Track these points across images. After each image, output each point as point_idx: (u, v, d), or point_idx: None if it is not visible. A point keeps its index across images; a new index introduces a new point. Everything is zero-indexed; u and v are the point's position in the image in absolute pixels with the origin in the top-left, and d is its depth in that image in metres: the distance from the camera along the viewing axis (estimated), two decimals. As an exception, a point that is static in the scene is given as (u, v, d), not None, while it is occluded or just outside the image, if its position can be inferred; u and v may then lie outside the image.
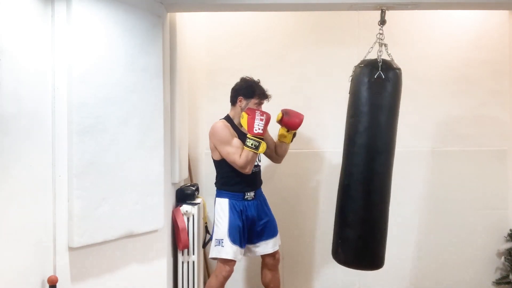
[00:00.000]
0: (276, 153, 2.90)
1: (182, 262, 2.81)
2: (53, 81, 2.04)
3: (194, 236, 2.82)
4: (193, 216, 2.82)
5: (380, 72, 2.32)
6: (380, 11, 2.53)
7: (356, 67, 2.47)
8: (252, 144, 2.53)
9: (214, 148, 2.69)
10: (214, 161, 2.76)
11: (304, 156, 3.40)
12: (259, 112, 2.60)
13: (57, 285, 1.94)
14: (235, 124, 2.73)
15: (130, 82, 2.28)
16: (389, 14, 2.54)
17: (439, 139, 3.42)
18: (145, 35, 2.36)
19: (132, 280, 2.37)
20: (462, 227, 3.41)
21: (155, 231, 2.46)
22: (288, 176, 3.41)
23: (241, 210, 2.69)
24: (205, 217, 3.16)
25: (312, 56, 3.40)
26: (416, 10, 2.77)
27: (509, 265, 3.30)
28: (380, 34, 2.46)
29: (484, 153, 3.41)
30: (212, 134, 2.67)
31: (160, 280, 2.55)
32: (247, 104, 2.68)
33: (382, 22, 2.51)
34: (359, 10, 2.71)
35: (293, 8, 2.79)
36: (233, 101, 2.75)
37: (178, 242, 2.77)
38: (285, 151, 2.87)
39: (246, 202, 2.71)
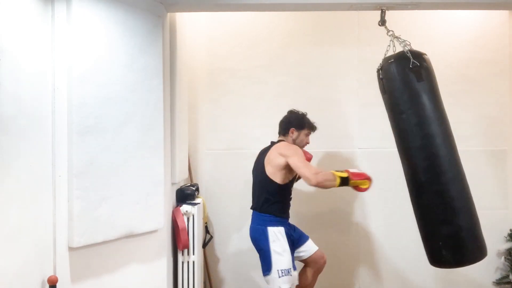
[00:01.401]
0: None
1: (182, 262, 2.81)
2: (53, 81, 2.04)
3: (194, 236, 2.82)
4: (193, 216, 2.82)
5: (413, 61, 2.28)
6: (380, 11, 2.53)
7: (383, 65, 2.41)
8: (343, 173, 2.47)
9: (282, 167, 2.60)
10: (277, 186, 2.63)
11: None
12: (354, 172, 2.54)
13: (57, 285, 1.94)
14: None
15: (130, 82, 2.28)
16: (389, 14, 2.54)
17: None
18: (145, 35, 2.36)
19: (132, 280, 2.37)
20: (462, 227, 3.41)
21: (155, 231, 2.46)
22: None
23: (291, 235, 2.70)
24: (205, 217, 3.16)
25: (312, 56, 3.40)
26: (416, 10, 2.77)
27: (509, 265, 3.30)
28: (389, 31, 2.45)
29: (484, 153, 3.41)
30: (286, 148, 2.63)
31: (160, 280, 2.55)
32: (298, 135, 2.78)
33: (382, 22, 2.51)
34: (359, 10, 2.71)
35: (293, 8, 2.79)
36: (285, 132, 2.81)
37: (178, 242, 2.77)
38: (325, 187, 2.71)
39: (290, 225, 2.75)
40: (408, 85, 2.32)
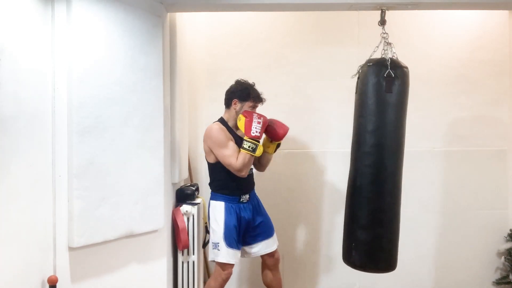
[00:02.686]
0: (258, 162, 2.85)
1: (182, 262, 2.81)
2: (53, 81, 2.04)
3: (194, 236, 2.82)
4: (193, 216, 2.82)
5: (389, 70, 2.31)
6: (380, 11, 2.53)
7: (363, 66, 2.45)
8: (249, 147, 2.52)
9: (209, 151, 2.67)
10: (209, 164, 2.73)
11: (304, 156, 3.40)
12: (256, 115, 2.58)
13: (57, 285, 1.94)
14: (229, 127, 2.71)
15: (130, 82, 2.28)
16: (389, 14, 2.54)
17: (439, 139, 3.42)
18: (145, 35, 2.36)
19: (132, 280, 2.37)
20: (462, 227, 3.41)
21: (155, 231, 2.46)
22: (287, 177, 3.41)
23: (236, 213, 2.68)
24: (205, 217, 3.16)
25: (312, 56, 3.40)
26: (416, 10, 2.77)
27: (509, 265, 3.30)
28: (384, 33, 2.45)
29: (484, 153, 3.41)
30: (208, 137, 2.64)
31: (160, 280, 2.55)
32: (241, 107, 2.66)
33: (382, 22, 2.51)
34: (359, 10, 2.71)
35: (293, 8, 2.79)
36: (228, 104, 2.72)
37: (178, 242, 2.77)
38: (268, 161, 2.82)
39: (241, 205, 2.70)
40: (376, 92, 2.35)
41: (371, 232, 2.37)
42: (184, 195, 2.90)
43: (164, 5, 2.55)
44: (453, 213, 3.41)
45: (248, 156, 2.53)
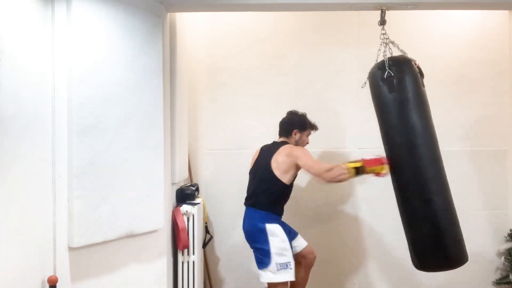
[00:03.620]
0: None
1: (182, 262, 2.81)
2: (53, 81, 2.04)
3: (194, 236, 2.82)
4: (193, 216, 2.82)
5: (388, 71, 2.32)
6: (380, 11, 2.53)
7: (369, 73, 2.50)
8: (356, 163, 2.45)
9: (291, 167, 2.65)
10: (282, 185, 2.67)
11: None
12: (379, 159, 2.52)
13: (57, 285, 1.94)
14: None
15: (130, 82, 2.28)
16: (389, 14, 2.55)
17: (439, 139, 3.41)
18: (145, 35, 2.36)
19: (132, 280, 2.37)
20: (462, 227, 3.39)
21: (155, 231, 2.46)
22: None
23: (286, 230, 2.72)
24: (205, 217, 3.16)
25: (312, 56, 3.40)
26: (416, 10, 2.77)
27: (509, 265, 3.30)
28: (383, 34, 2.46)
29: (484, 153, 3.42)
30: (296, 149, 2.66)
31: (160, 280, 2.55)
32: (301, 136, 2.83)
33: (382, 22, 2.51)
34: (359, 10, 2.71)
35: (293, 8, 2.79)
36: (288, 134, 2.84)
37: (178, 242, 2.77)
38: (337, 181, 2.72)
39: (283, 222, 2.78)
40: (383, 95, 2.39)
41: (444, 230, 2.34)
42: (184, 195, 2.90)
43: (164, 5, 2.55)
44: (453, 213, 3.40)
45: (344, 170, 2.44)
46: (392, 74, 2.32)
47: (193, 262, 2.82)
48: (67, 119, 2.05)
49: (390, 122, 2.40)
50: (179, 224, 2.74)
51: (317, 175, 2.53)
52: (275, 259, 2.60)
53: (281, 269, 2.60)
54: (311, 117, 2.89)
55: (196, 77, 3.39)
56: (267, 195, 2.70)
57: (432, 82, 3.37)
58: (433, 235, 2.33)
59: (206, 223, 3.15)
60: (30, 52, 1.89)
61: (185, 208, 2.81)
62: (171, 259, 2.75)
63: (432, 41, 3.38)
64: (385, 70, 2.34)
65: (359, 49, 3.36)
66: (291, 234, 2.80)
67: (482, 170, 3.40)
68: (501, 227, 3.39)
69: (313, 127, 2.90)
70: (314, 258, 2.89)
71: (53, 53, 2.04)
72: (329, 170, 2.46)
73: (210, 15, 3.37)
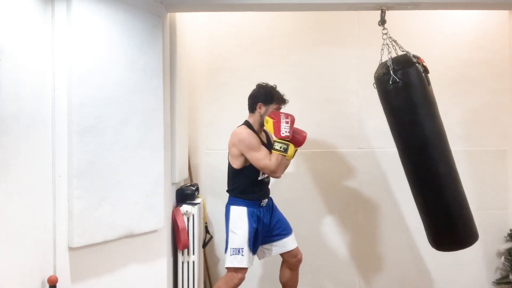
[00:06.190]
0: None
1: (182, 262, 2.81)
2: (53, 81, 2.04)
3: (194, 236, 2.82)
4: (193, 216, 2.82)
5: (393, 77, 2.32)
6: (380, 11, 2.53)
7: (374, 76, 2.50)
8: (280, 147, 2.49)
9: (238, 155, 2.60)
10: (232, 170, 2.66)
11: (302, 157, 3.40)
12: (283, 114, 2.55)
13: (57, 285, 1.95)
14: (255, 131, 2.68)
15: (130, 82, 2.29)
16: (389, 14, 2.54)
17: (439, 139, 3.42)
18: (145, 35, 2.36)
19: (132, 280, 2.37)
20: (462, 227, 3.40)
21: (155, 231, 2.46)
22: (286, 176, 3.40)
23: (258, 217, 2.66)
24: (205, 217, 3.16)
25: (312, 56, 3.40)
26: (416, 10, 2.77)
27: (509, 265, 3.30)
28: (385, 34, 2.45)
29: (484, 153, 3.41)
30: (240, 141, 2.58)
31: (160, 280, 2.55)
32: (266, 110, 2.64)
33: (382, 22, 2.51)
34: (359, 10, 2.71)
35: (293, 8, 2.79)
36: (252, 108, 2.70)
37: (178, 242, 2.77)
38: (286, 167, 2.77)
39: (261, 209, 2.69)
40: (389, 100, 2.44)
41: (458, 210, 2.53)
42: (184, 195, 2.90)
43: (164, 5, 2.55)
44: (453, 213, 3.40)
45: (280, 156, 2.50)
46: (398, 80, 2.31)
47: (193, 262, 2.82)
48: (67, 119, 2.05)
49: (401, 124, 2.43)
50: (179, 224, 2.74)
51: (264, 168, 2.55)
52: (230, 243, 2.63)
53: (233, 254, 2.60)
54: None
55: (196, 77, 3.39)
56: (229, 179, 2.72)
57: (432, 82, 3.37)
58: (447, 221, 2.53)
59: (206, 223, 3.15)
60: (30, 52, 1.89)
61: (185, 208, 2.81)
62: (171, 259, 2.75)
63: (432, 41, 3.37)
64: (390, 75, 2.32)
65: (359, 49, 3.36)
66: (278, 229, 2.74)
67: (482, 170, 3.40)
68: (501, 227, 3.38)
69: (281, 100, 2.67)
70: (298, 261, 2.81)
71: (53, 53, 2.04)
72: (271, 160, 2.51)
73: (210, 15, 3.37)
